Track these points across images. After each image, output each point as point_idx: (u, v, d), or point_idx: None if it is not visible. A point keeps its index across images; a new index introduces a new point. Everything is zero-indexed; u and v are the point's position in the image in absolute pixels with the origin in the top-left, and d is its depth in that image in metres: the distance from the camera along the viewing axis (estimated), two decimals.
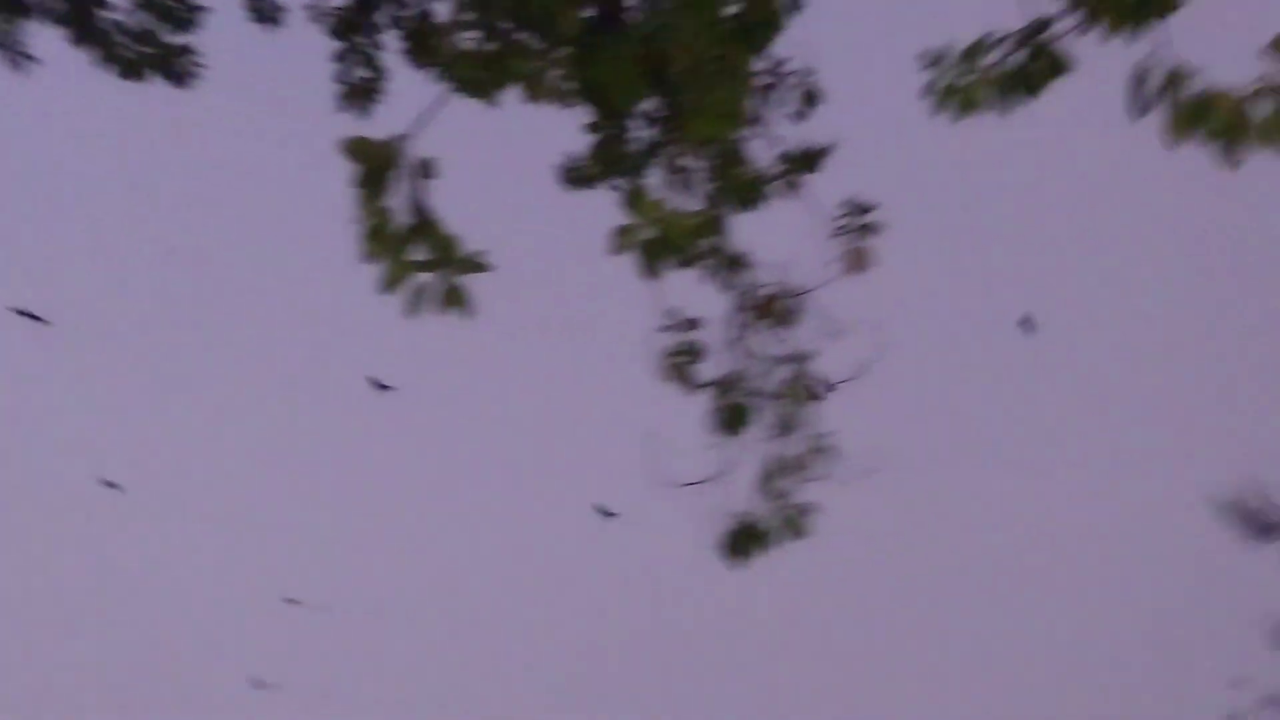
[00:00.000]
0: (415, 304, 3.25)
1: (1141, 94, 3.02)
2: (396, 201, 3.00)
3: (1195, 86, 3.02)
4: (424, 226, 3.06)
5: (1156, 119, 3.12)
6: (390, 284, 3.13)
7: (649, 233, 2.90)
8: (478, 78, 3.08)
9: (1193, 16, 3.11)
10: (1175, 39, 3.11)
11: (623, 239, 2.91)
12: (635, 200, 2.86)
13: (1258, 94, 3.03)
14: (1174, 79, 2.98)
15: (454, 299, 3.26)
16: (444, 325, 3.28)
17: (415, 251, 3.17)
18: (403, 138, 2.91)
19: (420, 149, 2.91)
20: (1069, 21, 3.16)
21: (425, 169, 2.89)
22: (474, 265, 3.23)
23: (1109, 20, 2.99)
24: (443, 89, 3.43)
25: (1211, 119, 3.04)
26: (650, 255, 2.95)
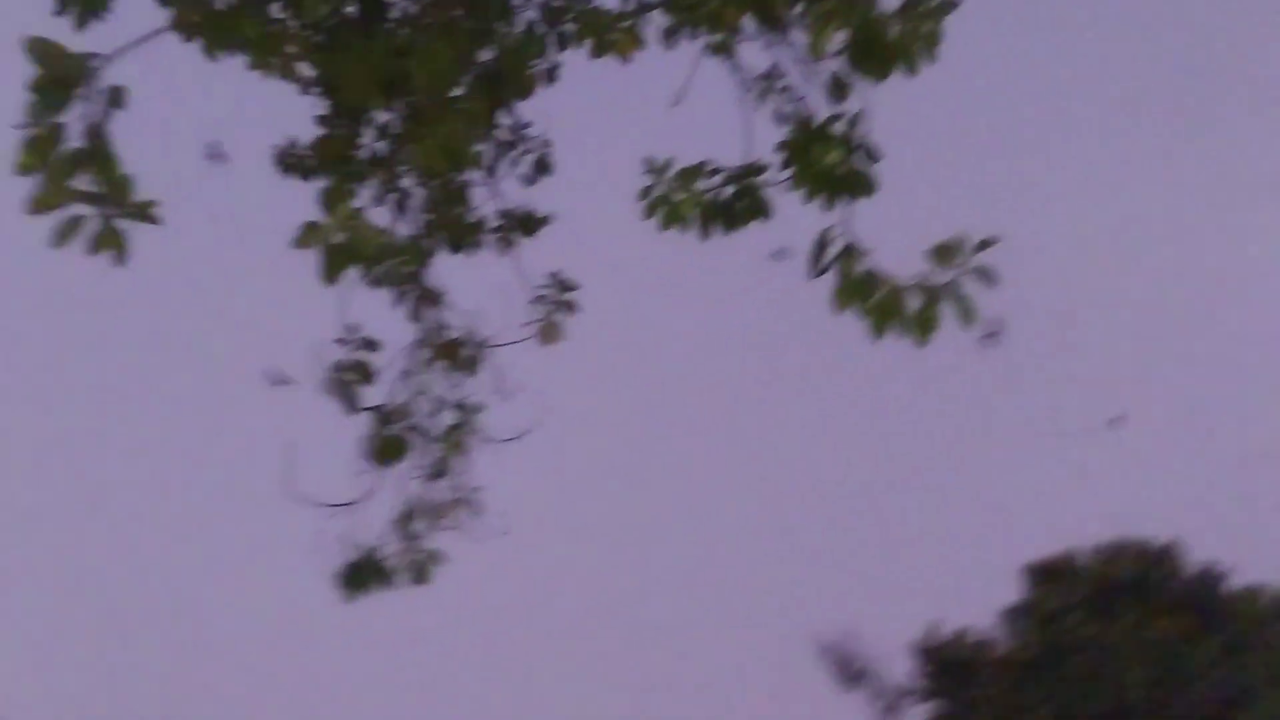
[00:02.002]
0: (65, 236, 2.99)
1: (820, 259, 3.31)
2: (74, 122, 2.77)
3: (865, 265, 3.35)
4: (97, 156, 2.82)
5: (828, 285, 3.42)
6: (40, 206, 2.86)
7: (337, 237, 2.82)
8: (199, 24, 2.91)
9: (879, 205, 3.48)
10: (860, 219, 3.45)
11: (308, 237, 2.82)
12: (332, 200, 2.78)
13: (914, 288, 3.41)
14: (849, 253, 3.29)
15: (111, 242, 3.03)
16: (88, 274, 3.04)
17: (80, 180, 2.92)
18: (101, 58, 2.70)
19: (118, 77, 2.71)
20: (778, 175, 3.43)
21: (115, 97, 2.69)
22: (143, 212, 3.02)
23: (809, 187, 3.28)
24: (167, 25, 3.22)
25: (871, 297, 3.38)
26: (332, 260, 2.86)
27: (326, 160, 4.03)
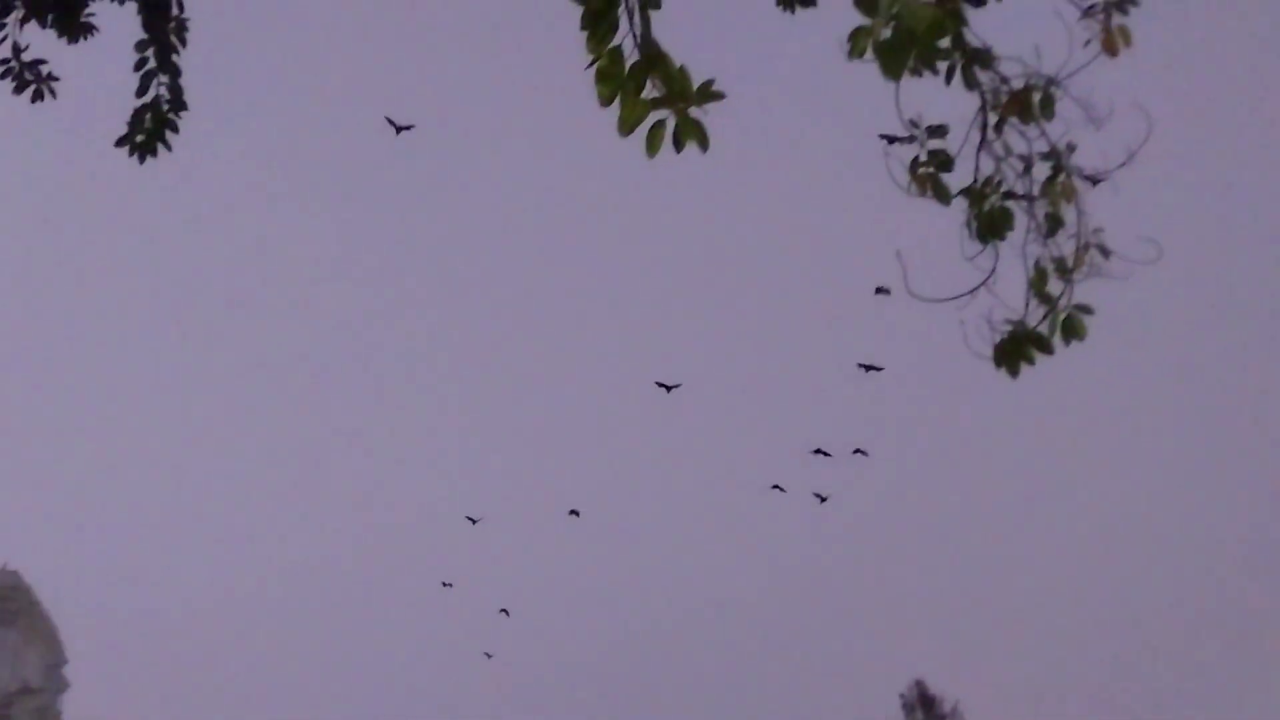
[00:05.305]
0: (655, 144, 3.26)
1: None
2: (623, 40, 2.98)
3: None
4: (652, 61, 3.02)
5: None
6: (628, 126, 3.14)
7: (885, 30, 2.73)
8: None
9: None
10: None
11: (859, 41, 2.76)
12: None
13: None
14: None
15: (690, 134, 3.24)
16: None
17: (647, 90, 3.15)
18: None
19: None
20: None
21: (648, 1, 2.85)
22: (708, 96, 3.19)
23: None
24: None
25: None
26: (890, 54, 2.78)
27: None
